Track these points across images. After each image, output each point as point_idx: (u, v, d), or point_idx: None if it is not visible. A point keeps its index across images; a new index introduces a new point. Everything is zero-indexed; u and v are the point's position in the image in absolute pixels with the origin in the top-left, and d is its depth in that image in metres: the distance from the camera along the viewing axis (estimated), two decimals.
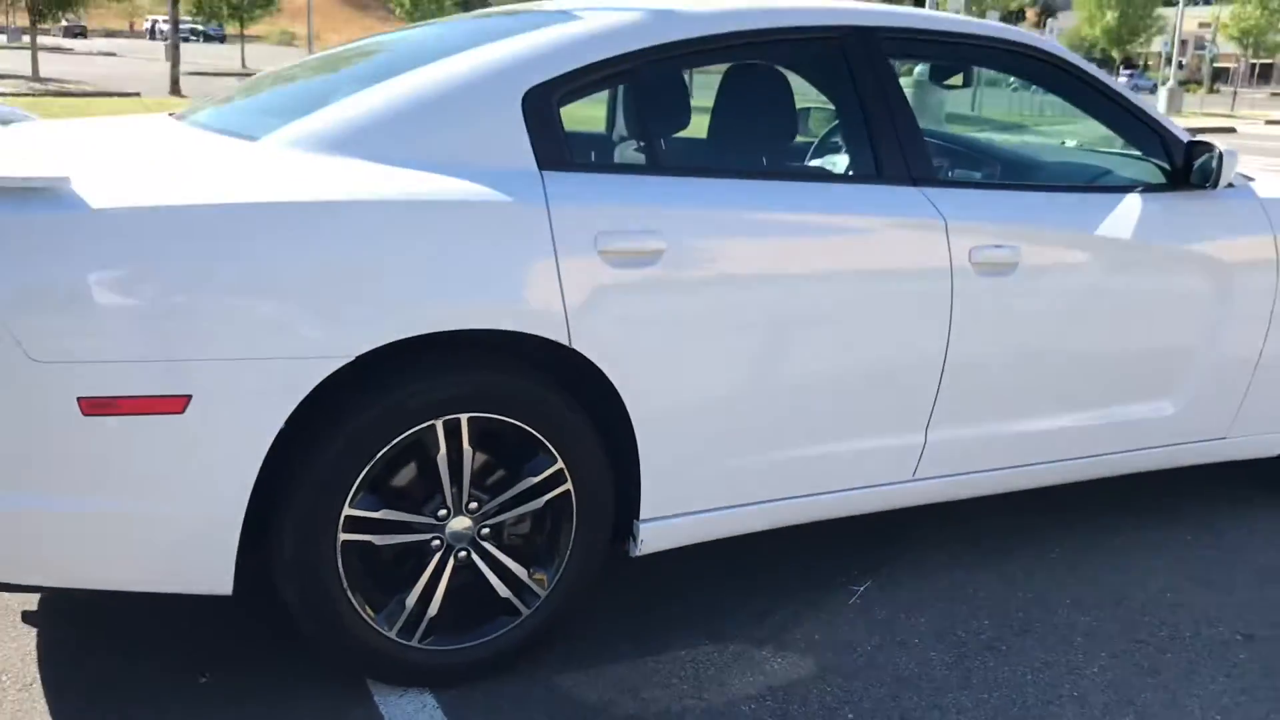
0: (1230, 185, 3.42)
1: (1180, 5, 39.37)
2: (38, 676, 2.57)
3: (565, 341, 2.50)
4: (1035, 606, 3.05)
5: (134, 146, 2.74)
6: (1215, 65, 58.93)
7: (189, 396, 2.23)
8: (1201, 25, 45.89)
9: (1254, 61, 67.11)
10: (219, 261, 2.23)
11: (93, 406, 2.19)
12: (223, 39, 41.18)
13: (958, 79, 4.46)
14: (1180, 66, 53.26)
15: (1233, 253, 3.36)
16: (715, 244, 2.65)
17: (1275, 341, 3.50)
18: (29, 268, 2.13)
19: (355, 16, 58.89)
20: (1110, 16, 40.09)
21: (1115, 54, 41.68)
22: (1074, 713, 2.55)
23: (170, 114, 3.33)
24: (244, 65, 37.53)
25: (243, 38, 39.13)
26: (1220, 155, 3.27)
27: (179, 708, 2.46)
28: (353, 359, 2.32)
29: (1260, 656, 2.83)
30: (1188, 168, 3.32)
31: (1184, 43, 42.33)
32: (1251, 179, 3.61)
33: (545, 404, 2.54)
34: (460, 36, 2.97)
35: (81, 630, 2.78)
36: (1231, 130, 28.64)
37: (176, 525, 2.30)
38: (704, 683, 2.63)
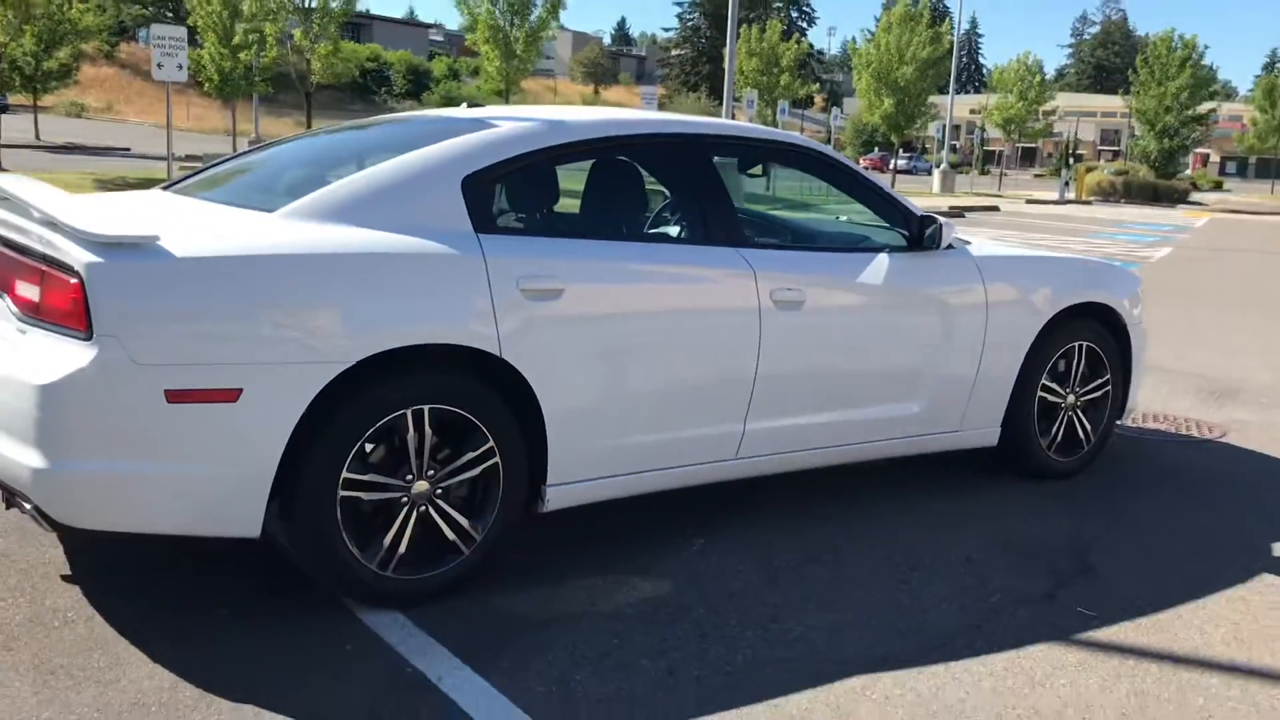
0: (951, 247, 4.82)
1: (951, 95, 43.52)
2: (79, 616, 3.45)
3: (497, 353, 3.60)
4: (821, 545, 4.27)
5: (177, 215, 3.68)
6: (986, 149, 64.69)
7: (240, 389, 3.22)
8: (972, 112, 50.58)
9: (1020, 145, 74.00)
10: (259, 295, 3.25)
11: (175, 397, 3.15)
12: (5, 108, 39.98)
13: (757, 170, 5.84)
14: (954, 150, 58.35)
15: (953, 296, 4.76)
16: (597, 286, 3.83)
17: (987, 362, 4.89)
18: (134, 298, 3.10)
19: (147, 89, 57.80)
20: (888, 104, 43.80)
21: (894, 138, 45.44)
22: (843, 592, 3.76)
23: (163, 188, 4.27)
24: (38, 137, 36.79)
25: (35, 108, 38.33)
26: (941, 225, 4.67)
27: (200, 634, 3.36)
28: (352, 364, 3.35)
29: (977, 570, 4.13)
30: (920, 235, 4.70)
31: (957, 127, 46.61)
32: (968, 242, 5.04)
33: (482, 398, 3.62)
34: (402, 135, 4.09)
35: (117, 579, 3.65)
36: (995, 209, 31.86)
37: (227, 484, 3.26)
38: (596, 599, 3.72)
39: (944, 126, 42.91)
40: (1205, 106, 51.33)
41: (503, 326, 3.59)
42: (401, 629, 3.45)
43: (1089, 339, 5.23)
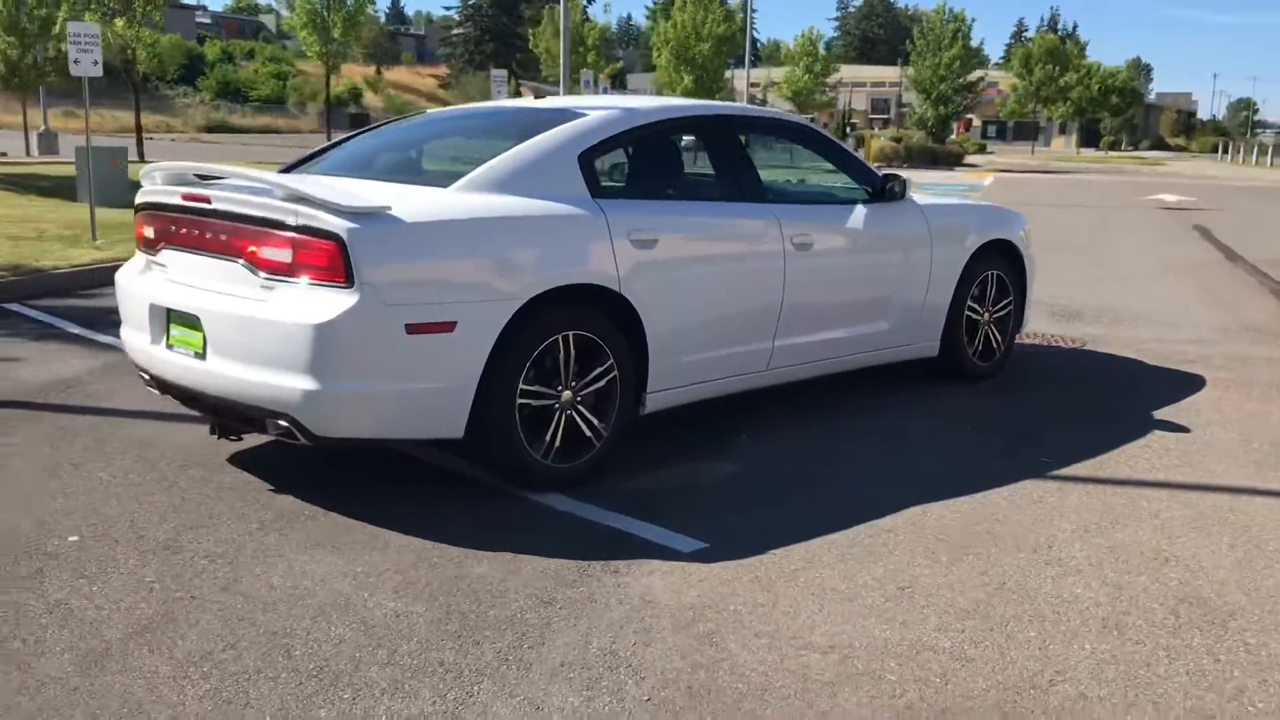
0: (904, 198, 6.21)
1: (746, 70, 45.89)
2: (316, 513, 4.40)
3: (617, 290, 4.72)
4: (832, 432, 5.57)
5: (369, 191, 4.58)
6: None
7: (456, 322, 4.24)
8: (752, 85, 53.23)
9: (809, 116, 78.28)
10: (466, 249, 4.29)
11: (412, 329, 4.15)
12: None
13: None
14: None
15: (910, 236, 6.16)
16: (679, 236, 5.00)
17: (932, 288, 6.31)
18: (382, 255, 4.08)
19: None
20: (688, 80, 45.90)
21: None
22: (863, 461, 5.07)
23: (284, 170, 5.16)
24: None
25: None
26: (904, 180, 6.05)
27: (425, 518, 4.37)
28: (526, 300, 4.41)
29: (954, 442, 5.51)
30: (883, 189, 6.05)
31: (753, 100, 48.99)
32: (912, 196, 6.45)
33: (605, 326, 4.73)
34: (499, 122, 5.17)
35: (323, 493, 4.60)
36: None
37: (444, 396, 4.28)
38: (698, 477, 4.90)
39: (745, 97, 45.13)
40: (975, 75, 55.76)
41: (620, 269, 4.72)
42: (574, 504, 4.53)
43: (999, 268, 6.74)
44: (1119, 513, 4.56)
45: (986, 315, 6.75)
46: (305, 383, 4.10)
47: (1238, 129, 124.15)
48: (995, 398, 6.44)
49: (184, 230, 4.58)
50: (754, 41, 55.76)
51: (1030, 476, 4.97)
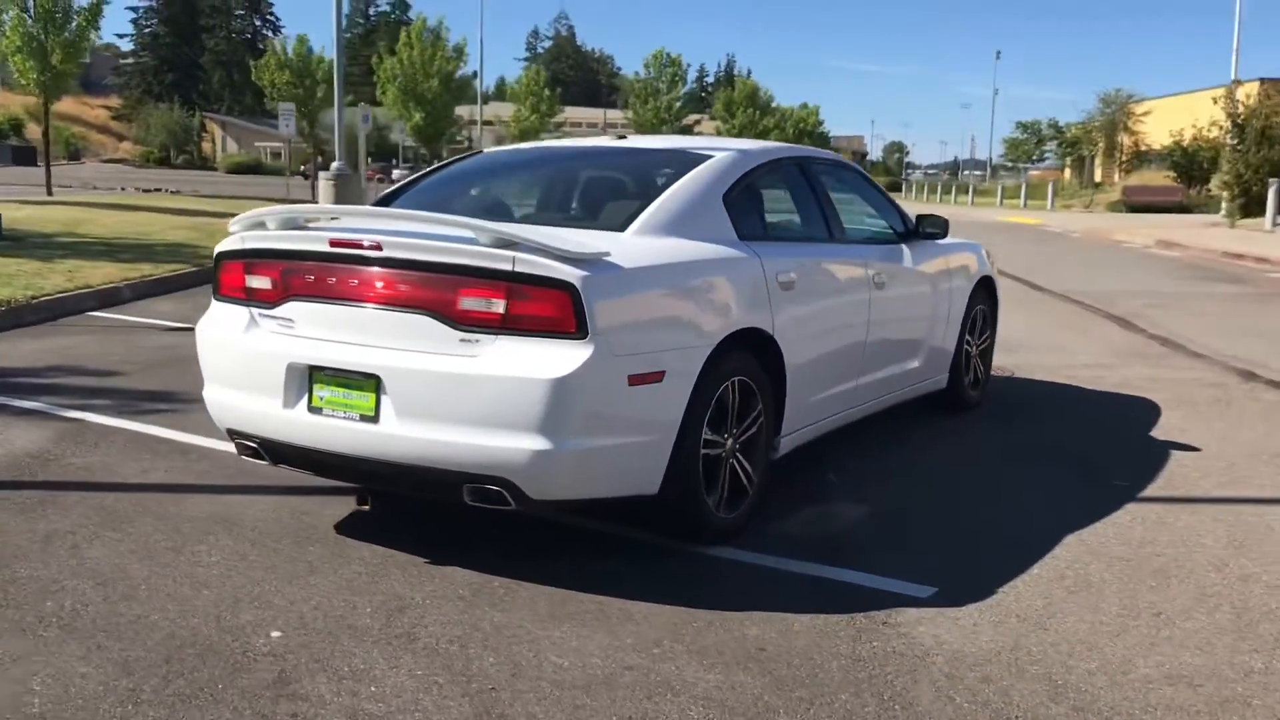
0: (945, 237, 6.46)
1: (480, 107, 45.83)
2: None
3: (771, 333, 4.66)
4: (902, 462, 5.71)
5: (562, 236, 4.27)
6: None
7: (664, 371, 4.07)
8: (486, 123, 53.37)
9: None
10: (673, 292, 4.13)
11: (633, 380, 3.95)
12: None
13: None
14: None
15: (937, 272, 6.41)
16: (808, 278, 5.00)
17: (950, 324, 6.59)
18: (609, 303, 3.86)
19: None
20: (418, 116, 45.29)
21: (426, 150, 46.96)
22: (949, 488, 5.25)
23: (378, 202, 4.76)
24: None
25: None
26: (946, 221, 6.30)
27: (580, 567, 4.15)
28: (713, 346, 4.29)
29: (1007, 464, 5.78)
30: (916, 229, 6.28)
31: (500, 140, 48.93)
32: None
33: (757, 370, 4.66)
34: (634, 160, 5.05)
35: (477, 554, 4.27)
36: None
37: (650, 449, 4.08)
38: (831, 519, 4.89)
39: (483, 139, 44.99)
40: (693, 118, 58.29)
41: (774, 312, 4.67)
42: (752, 555, 4.41)
43: (984, 303, 7.14)
44: (1245, 527, 4.93)
45: (975, 348, 7.12)
46: (534, 442, 3.80)
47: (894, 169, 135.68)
48: (1002, 426, 6.80)
49: (331, 280, 4.13)
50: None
51: (1128, 501, 5.28)
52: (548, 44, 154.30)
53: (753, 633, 3.71)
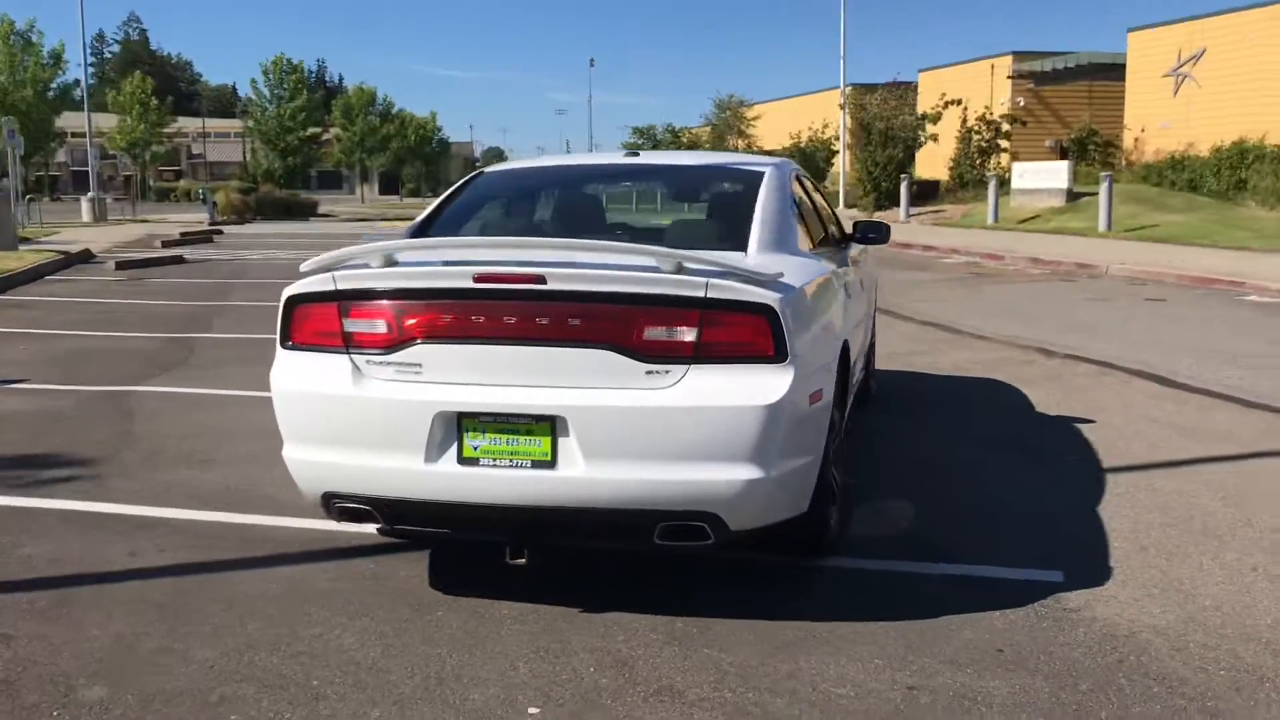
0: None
1: (88, 117, 41.73)
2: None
3: (846, 341, 4.79)
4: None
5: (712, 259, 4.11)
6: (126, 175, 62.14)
7: (822, 389, 4.10)
8: (73, 135, 48.82)
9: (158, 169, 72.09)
10: (825, 308, 4.16)
11: (811, 399, 3.95)
12: None
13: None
14: (112, 180, 54.37)
15: (870, 275, 6.76)
16: (831, 284, 5.15)
17: (871, 326, 6.96)
18: (797, 324, 3.83)
19: None
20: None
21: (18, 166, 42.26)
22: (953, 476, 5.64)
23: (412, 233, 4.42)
24: None
25: None
26: (888, 227, 6.62)
27: (726, 598, 4.14)
28: (837, 361, 4.36)
29: (972, 454, 6.23)
30: (863, 234, 6.56)
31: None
32: None
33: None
34: (682, 175, 4.97)
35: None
36: (213, 235, 31.92)
37: (811, 469, 4.09)
38: (887, 513, 5.09)
39: (94, 153, 41.18)
40: (317, 128, 56.23)
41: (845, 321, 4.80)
42: (861, 561, 4.51)
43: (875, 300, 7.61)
44: (1219, 482, 5.60)
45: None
46: (744, 471, 3.70)
47: None
48: (924, 416, 7.28)
49: (478, 318, 3.80)
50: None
51: (1101, 473, 5.84)
52: (115, 49, 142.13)
53: (968, 635, 3.82)
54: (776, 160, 5.40)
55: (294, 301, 4.03)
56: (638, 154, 5.65)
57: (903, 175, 30.26)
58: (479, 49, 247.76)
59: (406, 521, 4.01)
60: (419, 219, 4.90)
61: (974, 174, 35.54)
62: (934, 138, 34.64)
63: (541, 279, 3.73)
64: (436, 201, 5.02)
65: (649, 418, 3.68)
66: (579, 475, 3.71)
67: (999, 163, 35.10)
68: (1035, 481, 5.76)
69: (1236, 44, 32.52)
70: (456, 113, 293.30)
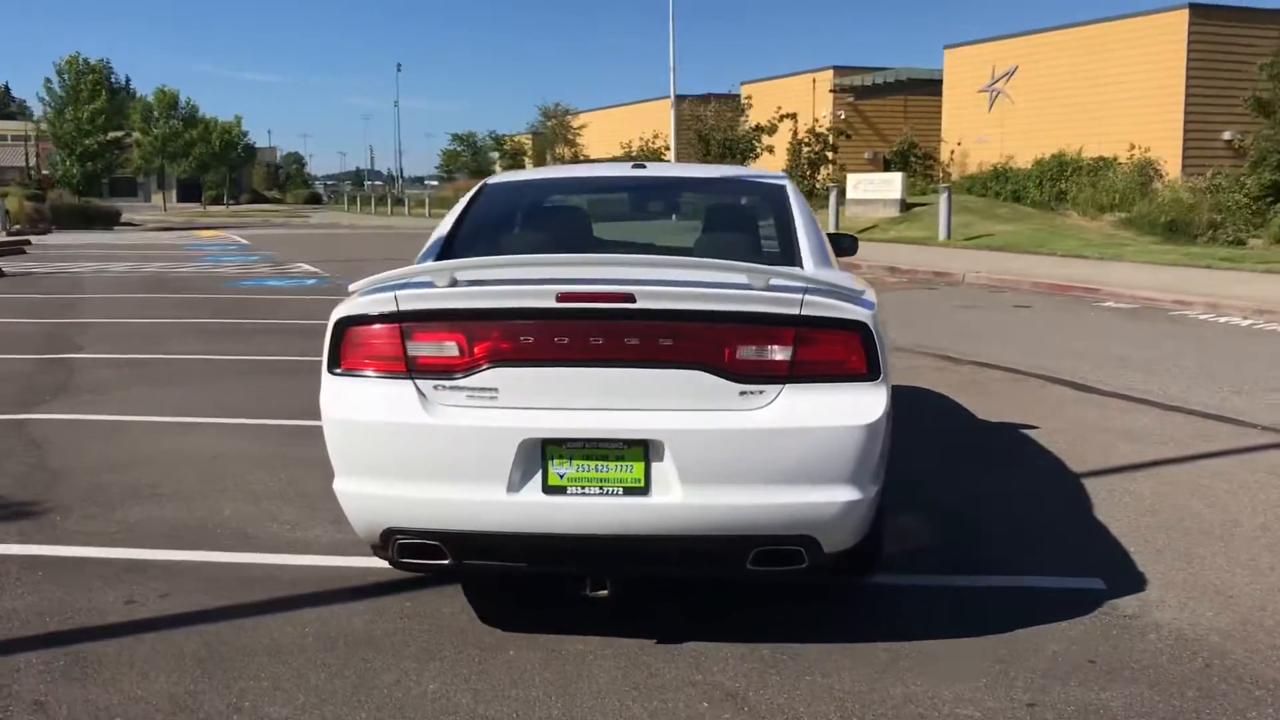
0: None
1: None
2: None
3: None
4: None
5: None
6: None
7: (892, 406, 4.07)
8: None
9: None
10: (883, 323, 4.14)
11: (888, 418, 3.91)
12: None
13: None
14: None
15: None
16: None
17: None
18: (883, 340, 3.79)
19: None
20: None
21: None
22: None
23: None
24: None
25: None
26: (856, 238, 6.65)
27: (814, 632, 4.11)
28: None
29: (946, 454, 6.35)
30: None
31: None
32: None
33: None
34: (705, 188, 4.85)
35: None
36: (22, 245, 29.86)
37: (883, 486, 4.03)
38: (914, 529, 5.12)
39: None
40: (120, 132, 53.26)
41: None
42: (903, 578, 4.53)
43: None
44: (1189, 484, 5.85)
45: None
46: (844, 493, 3.64)
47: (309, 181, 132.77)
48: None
49: (561, 339, 3.61)
50: None
51: (1080, 479, 6.03)
52: None
53: (1052, 648, 3.85)
54: (779, 173, 5.37)
55: (347, 323, 3.75)
56: (644, 165, 5.51)
57: None
58: (275, 51, 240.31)
59: (479, 556, 3.78)
60: (439, 236, 4.61)
61: (805, 185, 36.53)
62: (770, 149, 35.45)
63: (631, 297, 3.58)
64: (451, 218, 4.75)
65: (747, 440, 3.58)
66: (674, 501, 3.57)
67: (828, 174, 36.19)
68: (1017, 489, 5.89)
69: (1046, 62, 34.50)
70: (253, 118, 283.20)
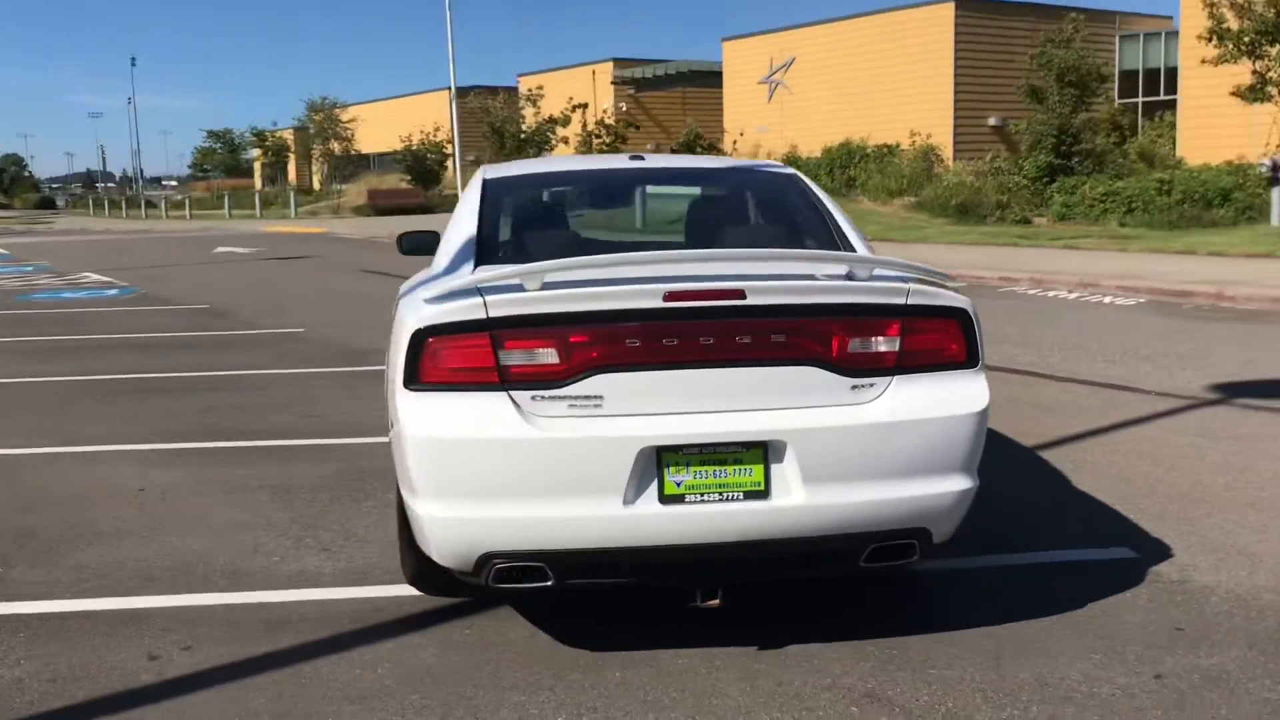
0: None
1: None
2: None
3: None
4: None
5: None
6: None
7: None
8: None
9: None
10: None
11: None
12: None
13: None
14: None
15: None
16: None
17: None
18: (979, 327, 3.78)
19: None
20: None
21: None
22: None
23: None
24: None
25: None
26: None
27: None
28: None
29: None
30: None
31: None
32: None
33: None
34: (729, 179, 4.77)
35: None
36: None
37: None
38: None
39: None
40: None
41: None
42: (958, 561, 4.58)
43: None
44: (1152, 451, 6.16)
45: None
46: (957, 483, 3.64)
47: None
48: None
49: (670, 340, 3.44)
50: None
51: (1043, 450, 6.26)
52: None
53: (1133, 618, 3.96)
54: (779, 164, 5.32)
55: (428, 333, 3.46)
56: (643, 158, 5.30)
57: None
58: None
59: (585, 575, 3.56)
60: (468, 236, 4.28)
61: None
62: (565, 140, 35.41)
63: (741, 293, 3.45)
64: (467, 216, 4.39)
65: (864, 435, 3.51)
66: (796, 503, 3.46)
67: None
68: (982, 466, 6.03)
69: (823, 54, 35.87)
70: None
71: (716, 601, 3.75)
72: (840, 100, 34.10)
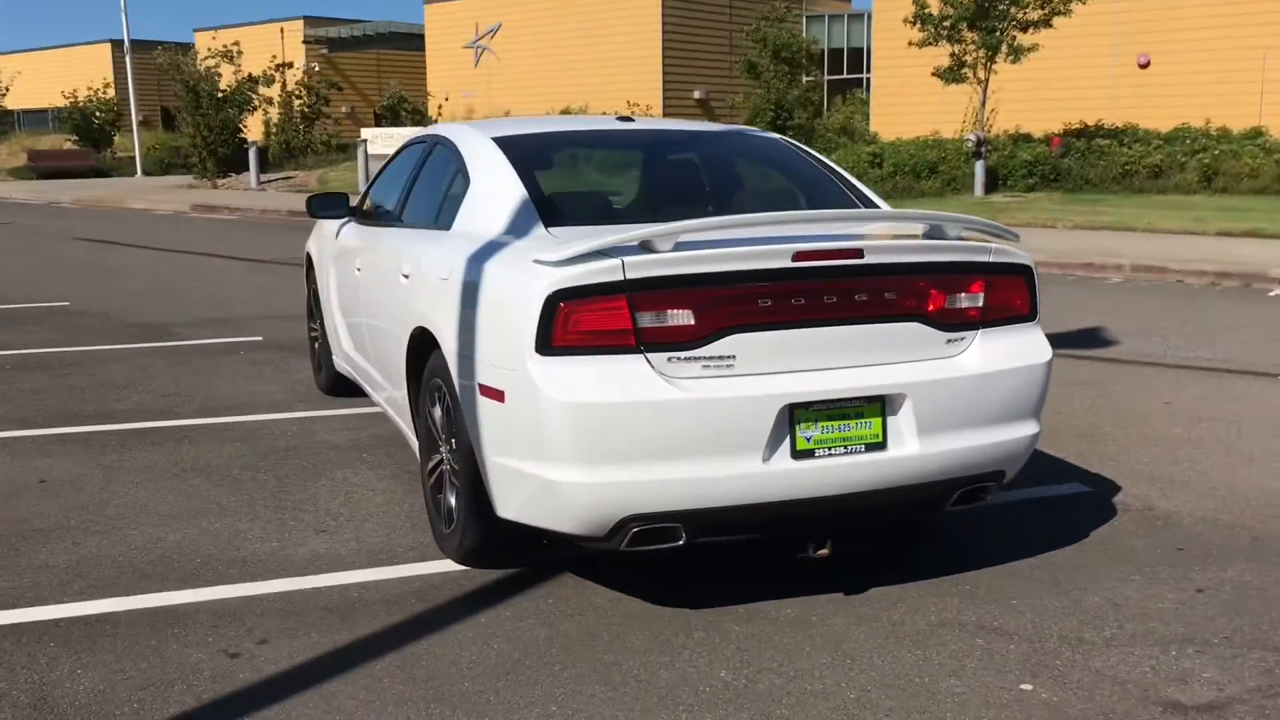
0: None
1: None
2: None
3: None
4: None
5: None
6: None
7: None
8: None
9: None
10: None
11: None
12: None
13: None
14: None
15: None
16: None
17: None
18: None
19: None
20: None
21: None
22: None
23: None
24: None
25: None
26: None
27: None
28: None
29: None
30: None
31: None
32: None
33: None
34: (737, 145, 4.87)
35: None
36: None
37: None
38: None
39: None
40: None
41: None
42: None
43: None
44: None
45: None
46: (1030, 427, 3.99)
47: None
48: None
49: (798, 300, 3.56)
50: None
51: None
52: None
53: (1136, 543, 4.43)
54: (759, 129, 5.47)
55: (561, 296, 3.40)
56: (632, 119, 5.23)
57: (246, 141, 29.02)
58: None
59: (715, 533, 3.62)
60: (522, 197, 4.13)
61: (300, 140, 35.20)
62: (270, 101, 33.61)
63: (859, 253, 3.62)
64: (503, 177, 4.24)
65: (964, 386, 3.77)
66: (911, 453, 3.68)
67: (324, 130, 35.17)
68: None
69: (530, 21, 36.01)
70: None
71: (827, 551, 3.90)
72: (554, 68, 34.41)
